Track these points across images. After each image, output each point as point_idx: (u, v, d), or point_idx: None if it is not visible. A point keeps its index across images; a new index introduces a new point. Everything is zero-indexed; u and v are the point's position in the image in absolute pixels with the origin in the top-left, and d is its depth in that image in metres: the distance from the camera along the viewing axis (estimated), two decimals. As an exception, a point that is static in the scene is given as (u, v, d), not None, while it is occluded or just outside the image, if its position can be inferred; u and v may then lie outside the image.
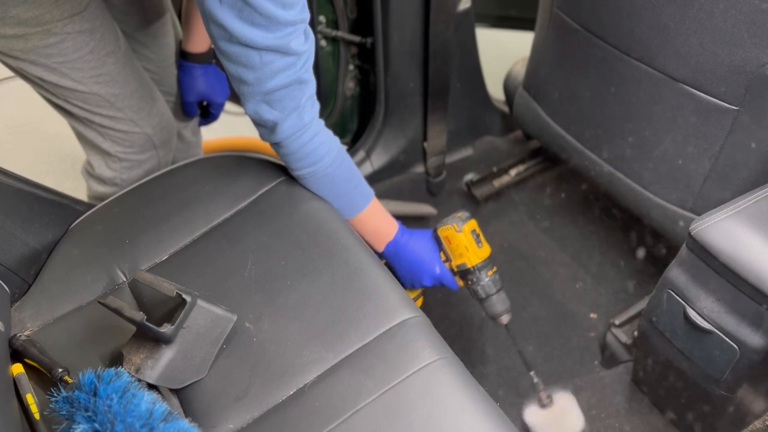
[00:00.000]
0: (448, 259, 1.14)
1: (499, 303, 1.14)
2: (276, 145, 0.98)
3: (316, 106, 0.97)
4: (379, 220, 1.11)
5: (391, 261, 1.14)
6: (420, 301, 1.19)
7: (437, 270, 1.13)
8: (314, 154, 0.98)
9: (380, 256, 1.13)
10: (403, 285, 1.14)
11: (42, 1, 0.98)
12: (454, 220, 1.12)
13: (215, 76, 1.34)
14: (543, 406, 1.24)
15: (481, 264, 1.12)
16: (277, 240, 0.99)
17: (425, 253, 1.13)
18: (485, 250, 1.13)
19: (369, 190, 1.10)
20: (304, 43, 0.88)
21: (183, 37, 1.30)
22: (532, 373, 1.21)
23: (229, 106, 1.76)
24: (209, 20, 0.83)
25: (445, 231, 1.13)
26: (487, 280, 1.12)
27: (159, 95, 1.25)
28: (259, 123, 0.96)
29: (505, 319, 1.15)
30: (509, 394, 1.30)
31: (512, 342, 1.18)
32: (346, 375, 0.84)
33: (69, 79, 1.08)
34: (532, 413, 1.25)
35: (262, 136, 0.98)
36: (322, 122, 0.99)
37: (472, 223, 1.13)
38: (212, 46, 1.33)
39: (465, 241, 1.11)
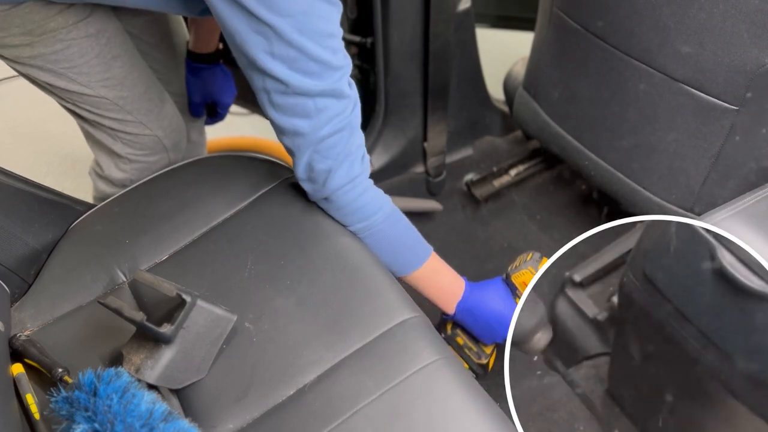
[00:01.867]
0: None
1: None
2: (326, 201, 0.97)
3: (366, 161, 0.97)
4: (441, 278, 1.07)
5: (465, 321, 1.09)
6: (493, 357, 1.11)
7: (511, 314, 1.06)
8: (365, 209, 0.97)
9: (451, 317, 1.08)
10: (483, 342, 1.09)
11: (47, 10, 0.98)
12: (529, 263, 1.05)
13: (222, 76, 1.34)
14: None
15: None
16: (277, 240, 0.99)
17: (503, 307, 1.06)
18: None
19: (427, 248, 1.06)
20: (351, 89, 0.90)
21: (190, 38, 1.30)
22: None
23: (232, 106, 1.76)
24: (264, 76, 0.83)
25: (521, 276, 1.06)
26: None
27: (168, 97, 1.25)
28: (309, 178, 0.94)
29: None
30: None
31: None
32: (346, 375, 0.84)
33: (76, 83, 1.08)
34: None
35: (312, 194, 0.97)
36: (371, 182, 0.99)
37: (545, 261, 1.06)
38: (219, 47, 1.33)
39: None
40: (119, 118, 1.15)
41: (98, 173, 1.27)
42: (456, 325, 1.10)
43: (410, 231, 1.04)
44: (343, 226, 0.99)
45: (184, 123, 1.30)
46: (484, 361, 1.08)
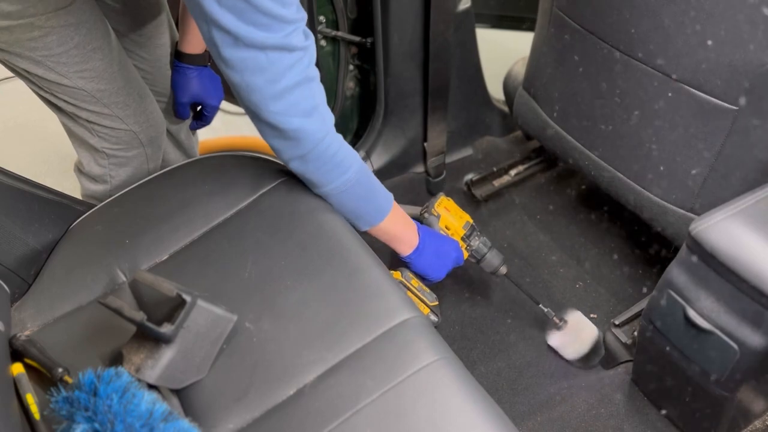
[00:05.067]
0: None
1: (496, 257, 1.27)
2: (301, 160, 0.94)
3: (331, 114, 0.96)
4: (402, 225, 1.11)
5: (416, 262, 1.15)
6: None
7: (455, 245, 1.19)
8: (343, 164, 0.96)
9: (406, 258, 1.14)
10: (429, 280, 1.18)
11: None
12: (438, 196, 1.25)
13: (209, 78, 1.34)
14: (559, 328, 1.34)
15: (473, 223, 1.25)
16: (277, 240, 0.99)
17: (442, 237, 1.18)
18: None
19: (389, 194, 1.08)
20: (305, 40, 0.88)
21: (179, 38, 1.30)
22: (540, 305, 1.32)
23: (228, 105, 1.76)
24: (212, 26, 0.81)
25: (442, 203, 1.23)
26: (482, 237, 1.26)
27: (149, 93, 1.25)
28: (280, 137, 0.91)
29: (503, 270, 1.28)
30: (509, 393, 1.30)
31: (516, 285, 1.31)
32: (346, 375, 0.84)
33: (54, 72, 1.07)
34: (553, 337, 1.36)
35: (283, 154, 0.94)
36: (340, 135, 0.98)
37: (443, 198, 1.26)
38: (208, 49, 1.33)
39: (456, 205, 1.25)
40: (96, 111, 1.15)
41: (80, 169, 1.27)
42: (406, 268, 1.17)
43: (376, 180, 1.05)
44: (318, 195, 1.01)
45: (163, 120, 1.29)
46: (436, 303, 1.17)
